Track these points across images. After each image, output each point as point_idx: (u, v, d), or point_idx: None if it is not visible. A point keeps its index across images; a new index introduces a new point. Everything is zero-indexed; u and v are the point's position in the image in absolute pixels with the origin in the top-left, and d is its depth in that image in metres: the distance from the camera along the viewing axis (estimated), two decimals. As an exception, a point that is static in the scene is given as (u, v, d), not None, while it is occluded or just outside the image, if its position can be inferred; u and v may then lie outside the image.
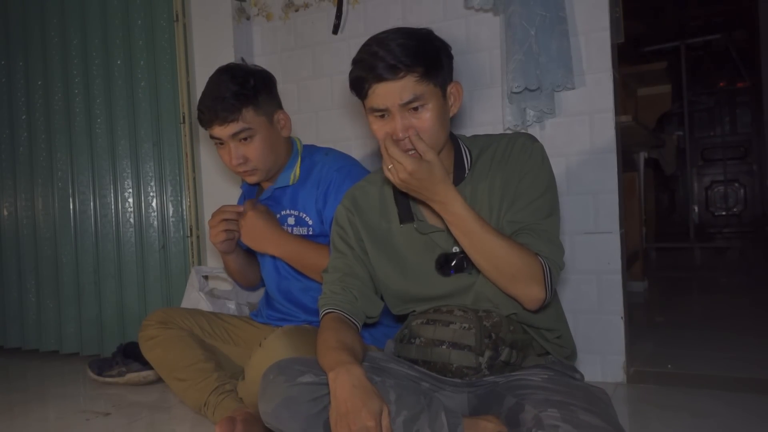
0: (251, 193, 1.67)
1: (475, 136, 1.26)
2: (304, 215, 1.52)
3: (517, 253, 1.07)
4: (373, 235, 1.24)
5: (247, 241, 1.51)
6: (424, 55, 1.08)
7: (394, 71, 1.06)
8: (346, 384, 0.94)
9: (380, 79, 1.07)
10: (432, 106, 1.09)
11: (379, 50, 1.07)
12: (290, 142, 1.59)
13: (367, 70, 1.08)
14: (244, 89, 1.44)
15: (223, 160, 1.52)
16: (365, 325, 1.27)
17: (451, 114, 1.15)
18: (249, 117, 1.45)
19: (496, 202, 1.16)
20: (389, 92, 1.07)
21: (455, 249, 1.16)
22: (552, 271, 1.09)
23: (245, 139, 1.46)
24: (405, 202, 1.20)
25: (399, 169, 1.05)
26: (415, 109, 1.08)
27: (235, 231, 1.53)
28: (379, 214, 1.25)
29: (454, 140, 1.21)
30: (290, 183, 1.54)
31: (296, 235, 1.52)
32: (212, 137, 1.49)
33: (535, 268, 1.07)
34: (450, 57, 1.15)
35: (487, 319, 1.13)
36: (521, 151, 1.16)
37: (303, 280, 1.54)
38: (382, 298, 1.27)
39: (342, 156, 1.57)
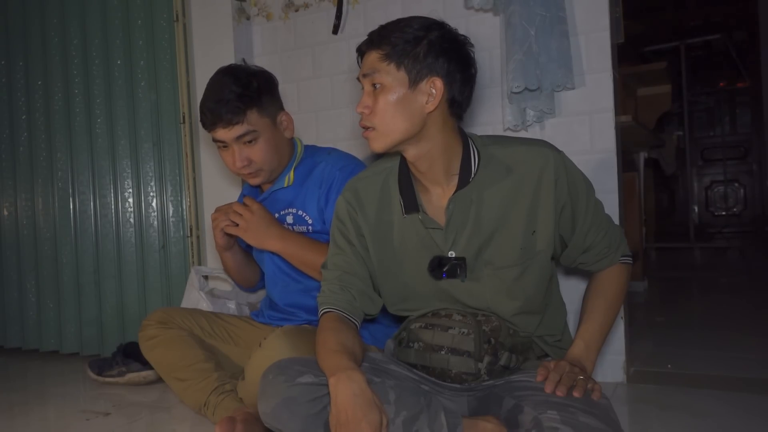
0: (252, 195, 1.67)
1: (490, 137, 1.20)
2: (303, 213, 1.52)
3: (619, 303, 1.21)
4: (374, 229, 1.22)
5: (249, 235, 1.48)
6: (397, 38, 1.07)
7: (369, 42, 1.11)
8: (347, 392, 0.93)
9: (365, 45, 1.12)
10: (390, 89, 1.07)
11: (388, 24, 1.11)
12: (292, 142, 1.59)
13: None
14: (247, 91, 1.43)
15: (225, 163, 1.51)
16: (365, 321, 1.26)
17: (427, 110, 1.08)
18: (253, 119, 1.44)
19: (521, 222, 1.12)
20: (364, 62, 1.12)
21: (451, 253, 1.14)
22: (630, 256, 1.25)
23: (250, 141, 1.45)
24: (411, 192, 1.17)
25: None
26: (374, 86, 1.09)
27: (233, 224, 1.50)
28: (381, 206, 1.22)
29: (464, 139, 1.15)
30: (285, 185, 1.54)
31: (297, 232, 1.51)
32: (215, 140, 1.48)
33: (628, 276, 1.24)
34: (439, 54, 1.07)
35: (486, 324, 1.13)
36: (557, 180, 1.11)
37: (303, 280, 1.53)
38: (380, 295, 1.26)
39: (345, 156, 1.57)
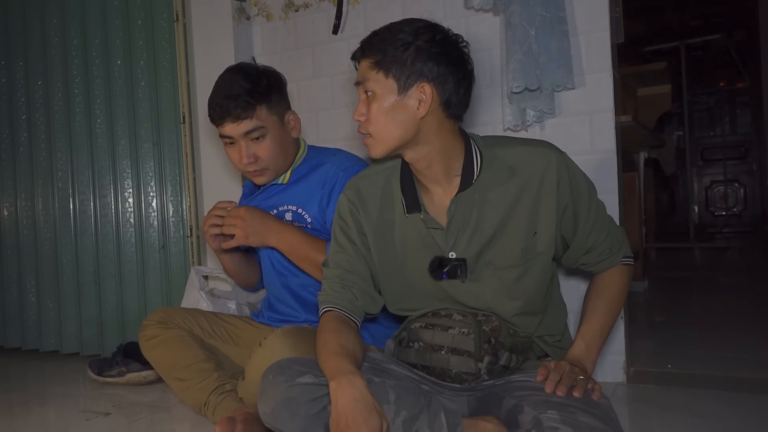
0: (247, 190, 1.66)
1: (491, 138, 1.20)
2: (303, 212, 1.51)
3: (620, 303, 1.22)
4: (376, 227, 1.22)
5: (251, 240, 1.46)
6: (386, 45, 1.07)
7: (360, 50, 1.12)
8: (347, 397, 0.93)
9: (357, 53, 1.13)
10: (380, 97, 1.08)
11: (378, 31, 1.11)
12: (298, 143, 1.59)
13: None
14: (257, 87, 1.43)
15: (231, 160, 1.50)
16: (365, 321, 1.26)
17: (419, 116, 1.08)
18: (262, 115, 1.44)
19: (522, 223, 1.12)
20: (358, 70, 1.13)
21: (452, 254, 1.14)
22: (631, 257, 1.25)
23: (257, 138, 1.45)
24: (413, 191, 1.17)
25: None
26: (367, 93, 1.10)
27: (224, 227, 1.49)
28: (383, 205, 1.22)
29: (465, 141, 1.15)
30: (279, 182, 1.54)
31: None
32: (222, 136, 1.48)
33: (629, 278, 1.24)
34: (428, 58, 1.07)
35: (487, 324, 1.13)
36: (560, 181, 1.11)
37: (301, 275, 1.53)
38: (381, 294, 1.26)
39: (350, 157, 1.57)
